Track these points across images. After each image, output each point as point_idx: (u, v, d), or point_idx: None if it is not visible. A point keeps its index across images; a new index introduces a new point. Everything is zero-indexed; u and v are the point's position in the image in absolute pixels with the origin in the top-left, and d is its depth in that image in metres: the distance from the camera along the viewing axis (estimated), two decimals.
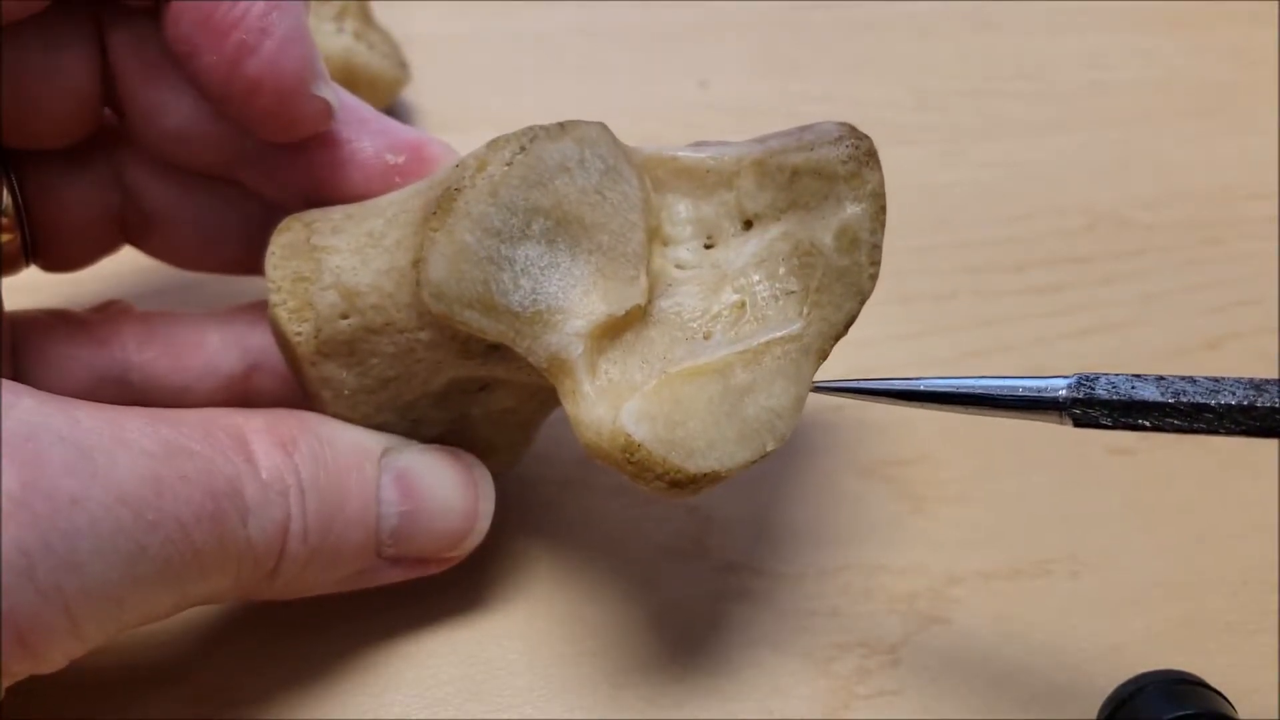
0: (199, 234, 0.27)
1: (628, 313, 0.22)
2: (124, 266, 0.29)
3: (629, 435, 0.21)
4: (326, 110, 0.24)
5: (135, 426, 0.20)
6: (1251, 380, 0.20)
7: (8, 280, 0.26)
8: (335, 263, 0.23)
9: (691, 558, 0.28)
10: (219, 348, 0.26)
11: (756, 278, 0.23)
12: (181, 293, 0.32)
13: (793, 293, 0.23)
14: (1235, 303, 0.36)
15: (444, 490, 0.24)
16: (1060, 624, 0.27)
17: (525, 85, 0.43)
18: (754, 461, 0.22)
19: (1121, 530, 0.29)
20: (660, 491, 0.21)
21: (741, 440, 0.22)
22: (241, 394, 0.26)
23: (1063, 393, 0.21)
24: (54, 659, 0.19)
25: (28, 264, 0.26)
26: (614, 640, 0.27)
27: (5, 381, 0.20)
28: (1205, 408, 0.20)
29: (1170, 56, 0.46)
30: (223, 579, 0.21)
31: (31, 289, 0.27)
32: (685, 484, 0.21)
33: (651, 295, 0.23)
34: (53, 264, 0.27)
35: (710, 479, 0.22)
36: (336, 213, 0.24)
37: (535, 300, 0.22)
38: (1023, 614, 0.28)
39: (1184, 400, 0.20)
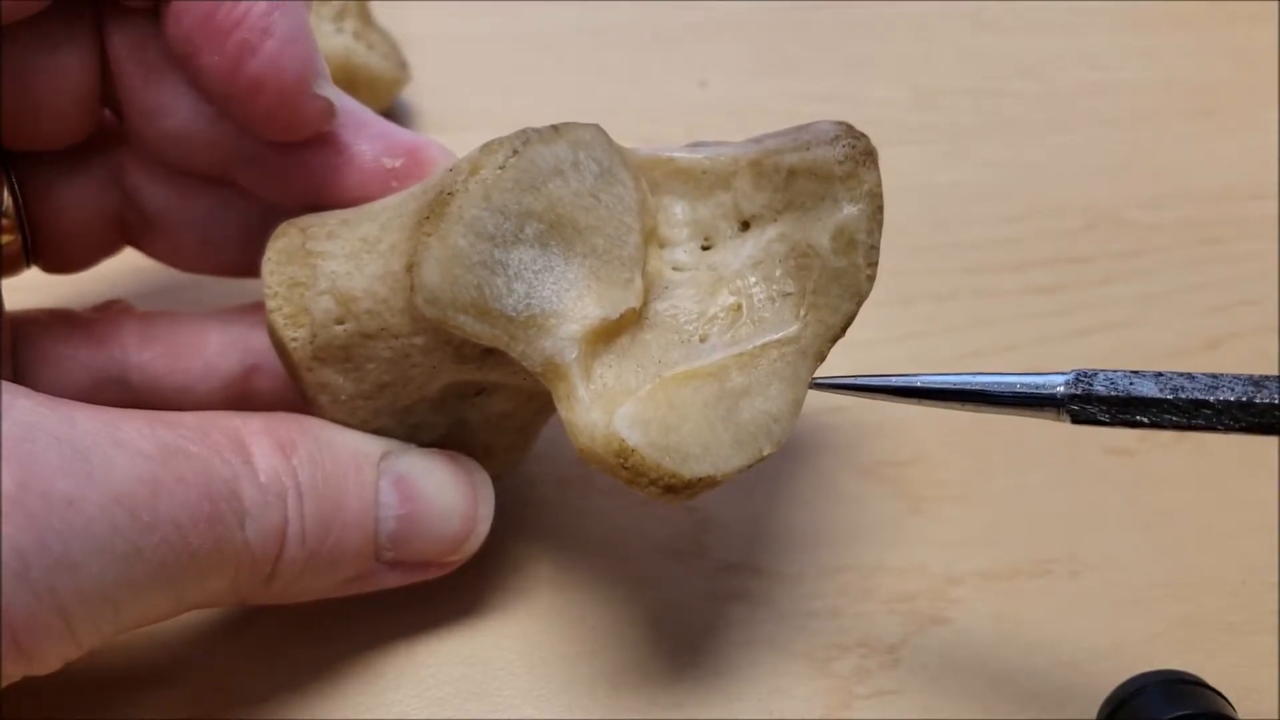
0: (198, 236, 0.27)
1: (622, 316, 0.22)
2: (124, 266, 0.29)
3: (623, 440, 0.21)
4: (328, 110, 0.24)
5: (132, 428, 0.20)
6: (1250, 377, 0.20)
7: (8, 280, 0.26)
8: (330, 268, 0.23)
9: (691, 558, 0.28)
10: (219, 348, 0.26)
11: (753, 280, 0.23)
12: (181, 293, 0.32)
13: (789, 294, 0.23)
14: (1235, 303, 0.36)
15: (443, 494, 0.24)
16: (1060, 624, 0.27)
17: (525, 85, 0.43)
18: (750, 466, 0.22)
19: (1121, 530, 0.29)
20: (655, 496, 0.21)
21: (737, 444, 0.22)
22: (241, 395, 0.26)
23: (1060, 389, 0.21)
24: (49, 661, 0.19)
25: (28, 265, 0.26)
26: (614, 640, 0.27)
27: (3, 383, 0.20)
28: (1203, 404, 0.20)
29: (1170, 56, 0.46)
30: (220, 582, 0.21)
31: (31, 289, 0.27)
32: (680, 489, 0.21)
33: (647, 298, 0.23)
34: (53, 265, 0.27)
35: (705, 484, 0.22)
36: (332, 218, 0.24)
37: (529, 304, 0.22)
38: (1023, 614, 0.27)
39: (1182, 396, 0.20)
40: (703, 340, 0.23)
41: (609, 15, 0.46)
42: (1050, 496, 0.30)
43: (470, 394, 0.25)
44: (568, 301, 0.22)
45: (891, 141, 0.32)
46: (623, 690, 0.26)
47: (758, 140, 0.24)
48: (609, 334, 0.22)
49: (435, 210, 0.22)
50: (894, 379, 0.23)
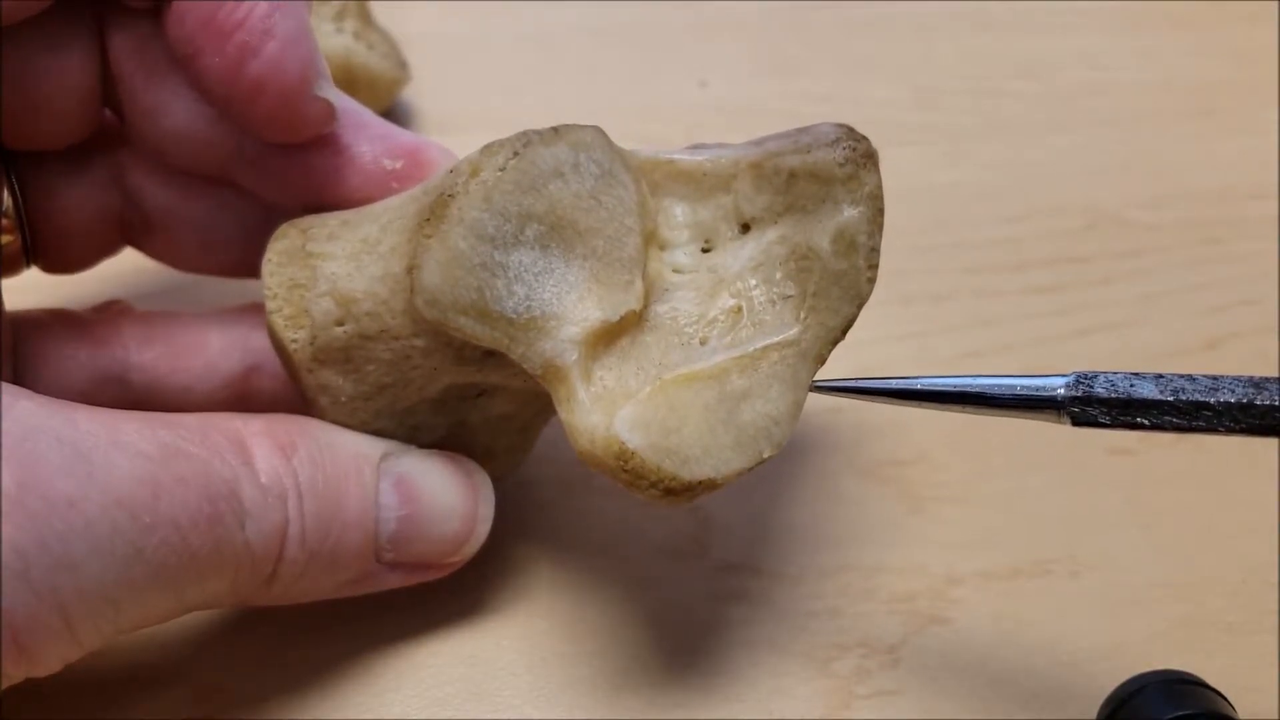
0: (198, 236, 0.27)
1: (622, 318, 0.22)
2: (124, 266, 0.29)
3: (623, 443, 0.21)
4: (329, 111, 0.24)
5: (133, 429, 0.20)
6: (1250, 378, 0.20)
7: (8, 280, 0.26)
8: (330, 269, 0.23)
9: (691, 558, 0.28)
10: (220, 348, 0.26)
11: (753, 282, 0.23)
12: (181, 293, 0.32)
13: (790, 297, 0.23)
14: (1235, 303, 0.36)
15: (443, 495, 0.24)
16: (1060, 624, 0.27)
17: (525, 85, 0.43)
18: (750, 468, 0.22)
19: (1121, 530, 0.29)
20: (655, 499, 0.21)
21: (737, 447, 0.22)
22: (242, 395, 0.26)
23: (1061, 391, 0.21)
24: (49, 662, 0.19)
25: (28, 265, 0.26)
26: (614, 640, 0.27)
27: (4, 384, 0.20)
28: (1204, 406, 0.20)
29: (1170, 56, 0.46)
30: (220, 583, 0.21)
31: (31, 289, 0.27)
32: (680, 492, 0.21)
33: (648, 300, 0.23)
34: (53, 265, 0.27)
35: (705, 486, 0.22)
36: (332, 219, 0.24)
37: (529, 306, 0.22)
38: (1023, 614, 0.28)
39: (1183, 398, 0.20)
40: (703, 342, 0.23)
41: (609, 15, 0.46)
42: (1050, 497, 0.30)
43: (471, 395, 0.25)
44: (568, 304, 0.22)
45: (891, 142, 0.32)
46: (623, 690, 0.26)
47: (758, 142, 0.24)
48: (609, 336, 0.22)
49: (435, 212, 0.22)
50: (894, 382, 0.23)
